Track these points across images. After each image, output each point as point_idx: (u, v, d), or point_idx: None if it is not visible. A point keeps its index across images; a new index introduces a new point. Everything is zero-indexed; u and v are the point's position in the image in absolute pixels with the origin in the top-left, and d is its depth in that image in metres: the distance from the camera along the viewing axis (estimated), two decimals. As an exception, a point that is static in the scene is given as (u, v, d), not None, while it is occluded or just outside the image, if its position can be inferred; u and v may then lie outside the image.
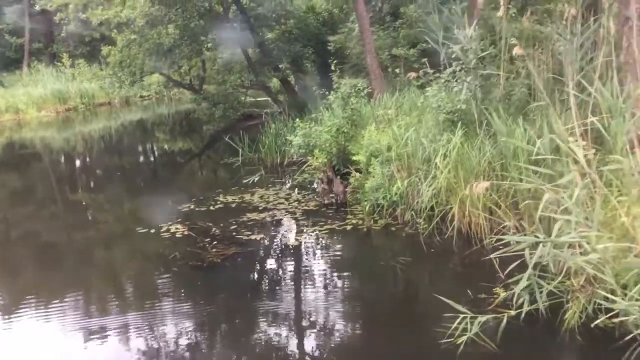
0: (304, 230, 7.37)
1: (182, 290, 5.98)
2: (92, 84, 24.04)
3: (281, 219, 7.81)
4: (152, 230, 7.51)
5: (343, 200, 8.27)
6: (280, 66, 15.38)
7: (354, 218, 7.48)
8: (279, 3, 14.50)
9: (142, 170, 14.42)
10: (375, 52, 11.39)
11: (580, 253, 4.52)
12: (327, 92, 10.27)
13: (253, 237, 7.05)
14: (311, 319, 5.22)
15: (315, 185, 9.12)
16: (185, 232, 7.38)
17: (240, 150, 11.70)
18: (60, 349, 4.87)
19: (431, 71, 8.09)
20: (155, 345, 4.87)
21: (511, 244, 4.85)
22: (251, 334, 5.00)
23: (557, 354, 4.37)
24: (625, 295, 4.14)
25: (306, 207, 8.20)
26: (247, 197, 8.89)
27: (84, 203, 10.90)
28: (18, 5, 29.98)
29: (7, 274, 6.92)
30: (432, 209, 6.71)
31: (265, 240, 7.05)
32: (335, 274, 6.21)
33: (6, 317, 5.55)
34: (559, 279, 4.71)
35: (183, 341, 4.89)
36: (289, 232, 7.44)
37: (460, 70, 7.27)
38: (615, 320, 4.19)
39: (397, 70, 10.75)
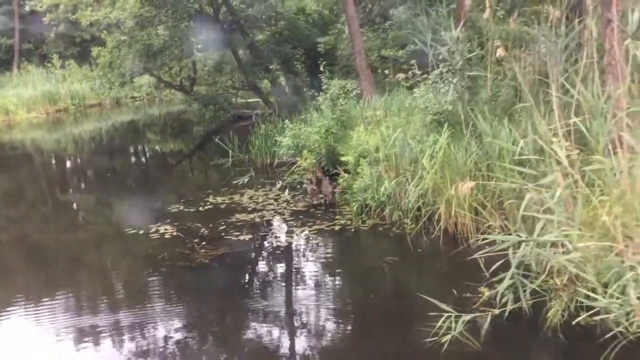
0: (293, 231, 7.41)
1: (170, 291, 6.00)
2: (83, 85, 23.95)
3: (270, 220, 7.85)
4: (141, 232, 7.52)
5: (332, 201, 8.32)
6: (270, 67, 15.41)
7: (342, 218, 7.52)
8: (269, 4, 14.52)
9: (132, 172, 14.40)
10: (364, 53, 11.46)
11: (563, 252, 4.58)
12: (317, 93, 10.33)
13: (242, 237, 7.09)
14: (298, 319, 5.26)
15: (304, 186, 9.15)
16: (174, 233, 7.40)
17: (230, 151, 11.72)
18: (48, 350, 4.88)
19: (419, 72, 8.16)
20: (143, 345, 4.90)
21: (496, 243, 4.92)
22: (239, 333, 5.05)
23: (539, 351, 4.43)
24: (606, 293, 4.20)
25: (295, 208, 8.24)
26: (237, 198, 8.92)
27: (73, 204, 10.90)
28: (8, 6, 29.87)
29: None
30: (419, 209, 6.76)
31: (254, 241, 7.09)
32: (322, 274, 6.25)
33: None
34: (542, 277, 4.77)
35: (171, 341, 4.91)
36: (277, 232, 7.48)
37: (447, 72, 7.34)
38: (597, 318, 4.25)
39: (387, 72, 10.84)
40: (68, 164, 16.36)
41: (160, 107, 26.75)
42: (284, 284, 6.11)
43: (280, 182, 9.95)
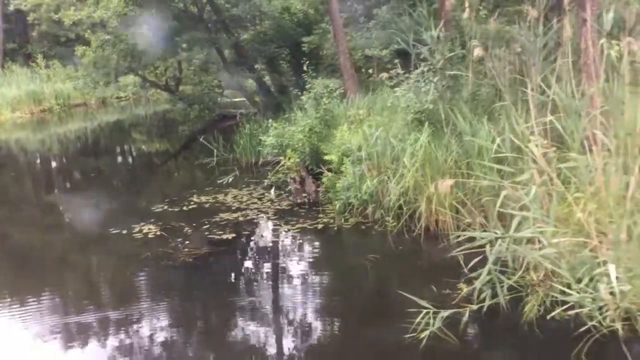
0: (276, 230, 7.45)
1: (153, 290, 6.02)
2: (67, 85, 23.79)
3: (254, 219, 7.88)
4: (125, 231, 7.52)
5: (315, 200, 8.37)
6: (255, 67, 15.42)
7: (325, 217, 7.57)
8: (254, 4, 14.53)
9: (117, 172, 14.35)
10: (348, 53, 11.51)
11: (539, 248, 4.67)
12: (301, 93, 10.37)
13: (225, 236, 7.12)
14: (280, 316, 5.31)
15: (288, 185, 9.19)
16: (158, 233, 7.41)
17: (215, 150, 11.73)
18: (30, 349, 4.89)
19: (401, 71, 8.23)
20: (126, 345, 4.91)
21: (477, 240, 5.01)
22: (222, 331, 5.09)
23: (515, 346, 4.50)
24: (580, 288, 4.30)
25: (279, 207, 8.28)
26: (221, 197, 8.94)
27: (57, 204, 10.85)
28: (-8, 6, 29.58)
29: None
30: (400, 207, 6.83)
31: (237, 240, 7.12)
32: (304, 272, 6.29)
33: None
34: (519, 273, 4.85)
35: (154, 340, 4.94)
36: (260, 231, 7.53)
37: (428, 71, 7.41)
38: (571, 312, 4.34)
39: (370, 71, 10.89)
40: (53, 164, 16.27)
41: (146, 107, 26.62)
42: (266, 282, 6.16)
43: (264, 181, 9.97)
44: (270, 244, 7.03)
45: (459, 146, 6.64)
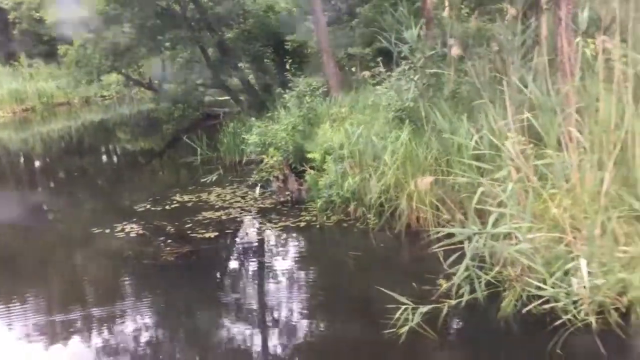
0: (258, 228, 7.48)
1: (135, 289, 6.03)
2: (50, 84, 23.61)
3: (236, 217, 7.89)
4: (107, 230, 7.51)
5: (298, 198, 8.40)
6: (239, 65, 15.41)
7: (308, 215, 7.61)
8: (237, 2, 14.52)
9: (101, 171, 14.28)
10: (331, 51, 11.55)
11: (515, 244, 4.73)
12: (285, 91, 10.40)
13: (207, 235, 7.13)
14: (260, 313, 5.34)
15: (271, 183, 9.22)
16: (140, 232, 7.41)
17: (198, 149, 11.73)
18: (12, 348, 4.87)
19: (383, 70, 8.29)
20: (105, 343, 4.92)
21: (456, 236, 5.06)
22: (203, 328, 5.10)
23: (492, 340, 4.55)
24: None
25: (262, 205, 8.30)
26: (204, 196, 8.95)
27: (40, 203, 10.78)
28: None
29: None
30: (382, 204, 6.88)
31: (220, 238, 7.13)
32: (286, 270, 6.33)
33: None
34: (497, 269, 4.92)
35: (133, 338, 4.95)
36: (243, 229, 7.54)
37: (409, 69, 7.47)
38: (547, 306, 4.41)
39: (354, 69, 10.94)
40: (36, 163, 16.17)
41: (130, 106, 26.45)
42: (247, 279, 6.19)
43: (248, 179, 9.98)
44: (253, 242, 7.06)
45: (439, 144, 6.70)
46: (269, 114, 10.75)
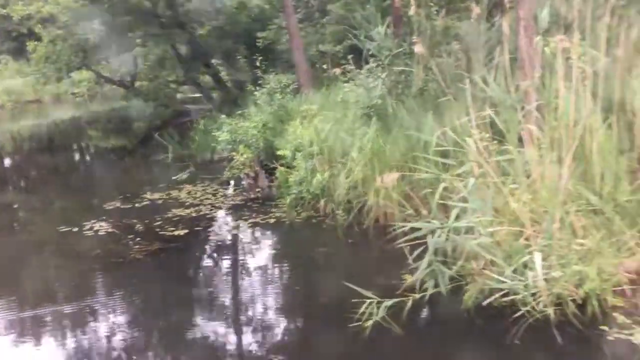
0: (228, 225, 7.51)
1: (102, 287, 6.00)
2: (19, 81, 23.21)
3: (206, 214, 7.89)
4: (75, 229, 7.46)
5: (269, 195, 8.44)
6: (211, 62, 15.36)
7: (278, 211, 7.65)
8: (208, -2, 14.48)
9: (71, 169, 14.15)
10: (303, 48, 11.58)
11: (476, 238, 4.83)
12: (257, 88, 10.41)
13: (177, 232, 7.12)
14: (227, 309, 5.37)
15: (242, 180, 9.23)
16: (109, 230, 7.38)
17: (170, 147, 11.69)
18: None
19: (352, 67, 8.35)
20: (72, 342, 4.90)
21: (421, 231, 5.15)
22: (171, 326, 5.10)
23: (455, 332, 4.65)
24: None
25: (232, 202, 8.32)
26: (175, 193, 8.93)
27: (7, 202, 10.60)
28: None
29: None
30: (350, 201, 6.95)
31: (189, 236, 7.12)
32: (254, 266, 6.37)
33: None
34: (460, 263, 5.01)
35: (100, 337, 4.93)
36: (212, 226, 7.54)
37: (377, 67, 7.55)
38: (507, 299, 4.52)
39: (325, 66, 10.97)
40: (4, 161, 15.90)
41: (102, 103, 26.16)
42: (216, 276, 6.21)
43: (219, 176, 9.98)
44: (222, 239, 7.08)
45: (406, 140, 6.79)
46: (240, 112, 10.75)
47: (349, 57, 8.87)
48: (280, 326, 5.08)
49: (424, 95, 7.51)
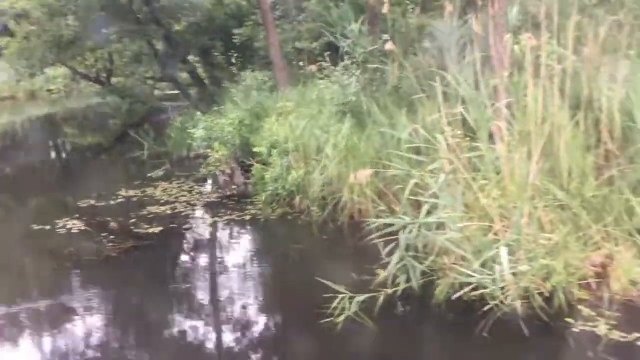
0: (204, 222, 7.51)
1: (74, 285, 5.98)
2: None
3: (182, 212, 7.87)
4: (48, 227, 7.39)
5: (245, 192, 8.43)
6: (188, 59, 15.28)
7: (253, 208, 7.66)
8: (185, -6, 14.40)
9: (46, 167, 13.98)
10: (279, 45, 11.57)
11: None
12: (234, 85, 10.40)
13: (152, 230, 7.10)
14: (199, 306, 5.38)
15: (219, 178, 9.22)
16: (83, 228, 7.33)
17: (146, 144, 11.62)
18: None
19: (327, 64, 8.38)
20: (43, 340, 4.87)
21: (393, 227, 5.21)
22: (144, 323, 5.11)
23: (425, 326, 4.73)
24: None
25: (208, 200, 8.32)
26: (150, 191, 8.89)
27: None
28: None
29: None
30: (325, 197, 6.99)
31: (164, 233, 7.09)
32: (229, 263, 6.39)
33: None
34: (432, 258, 5.07)
35: (71, 335, 4.91)
36: (188, 224, 7.53)
37: (352, 64, 7.60)
38: (476, 293, 4.59)
39: (302, 64, 10.99)
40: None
41: (78, 100, 25.84)
42: (189, 273, 6.22)
43: (195, 174, 9.95)
44: (197, 236, 7.07)
45: (380, 137, 6.84)
46: (216, 108, 10.73)
47: (326, 54, 8.93)
48: (253, 322, 5.10)
49: (399, 93, 7.57)
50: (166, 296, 5.57)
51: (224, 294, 5.63)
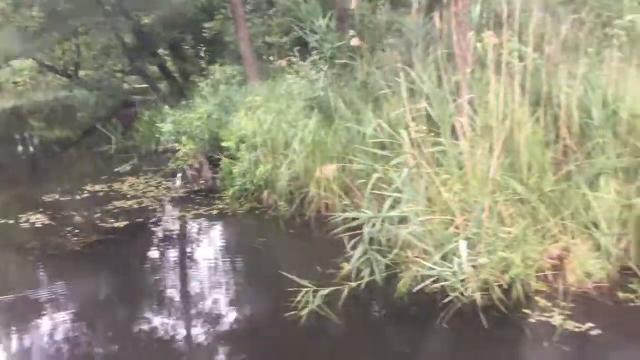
0: (170, 217, 7.47)
1: (36, 279, 5.91)
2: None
3: (149, 207, 7.82)
4: (11, 221, 7.31)
5: (213, 186, 8.42)
6: (158, 52, 15.12)
7: (221, 203, 7.65)
8: (153, -13, 14.20)
9: (11, 161, 13.68)
10: (249, 40, 11.53)
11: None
12: (202, 80, 10.34)
13: (117, 225, 7.05)
14: (164, 301, 5.34)
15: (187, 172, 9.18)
16: (47, 222, 7.25)
17: (114, 138, 11.50)
18: None
19: (296, 59, 8.40)
20: (3, 336, 4.80)
21: (358, 221, 5.27)
22: (107, 317, 5.07)
23: (387, 318, 4.80)
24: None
25: (176, 194, 8.28)
26: (117, 185, 8.81)
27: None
28: None
29: None
30: (293, 192, 7.02)
31: (129, 228, 7.05)
32: (194, 258, 6.37)
33: None
34: (396, 251, 5.15)
35: (32, 330, 4.85)
36: (154, 218, 7.48)
37: (320, 60, 7.63)
38: (437, 285, 4.67)
39: (272, 58, 10.97)
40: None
41: (46, 93, 25.37)
42: (155, 268, 6.18)
43: (164, 168, 9.88)
44: (163, 231, 7.03)
45: (347, 132, 6.90)
46: (184, 103, 10.66)
47: (296, 49, 8.94)
48: (217, 316, 5.10)
49: (367, 89, 7.62)
50: (130, 290, 5.54)
51: (188, 288, 5.61)
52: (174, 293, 5.52)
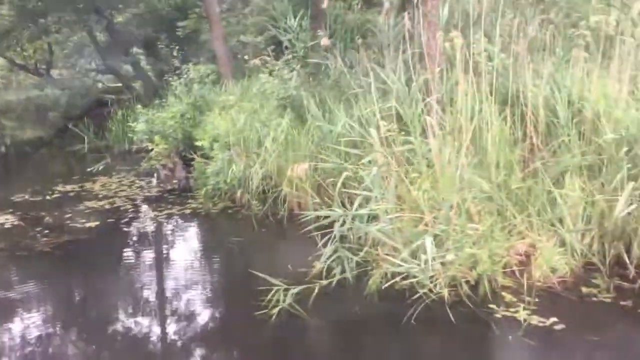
0: (142, 216, 7.42)
1: (5, 280, 5.81)
2: None
3: (121, 206, 7.77)
4: (-22, 222, 7.18)
5: (186, 186, 8.39)
6: (132, 51, 14.98)
7: (194, 202, 7.64)
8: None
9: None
10: (223, 39, 11.50)
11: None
12: (177, 78, 10.28)
13: (88, 225, 6.99)
14: (134, 301, 5.33)
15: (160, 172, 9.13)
16: (16, 223, 7.16)
17: (86, 137, 11.37)
18: None
19: (270, 58, 8.40)
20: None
21: (329, 219, 5.30)
22: (76, 318, 5.03)
23: (357, 315, 4.82)
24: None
25: (148, 194, 8.23)
26: (88, 185, 8.73)
27: None
28: None
29: None
30: (266, 191, 7.03)
31: (101, 228, 7.01)
32: (166, 257, 6.35)
33: None
34: (366, 249, 5.20)
35: (1, 330, 4.79)
36: (125, 218, 7.43)
37: (292, 59, 7.65)
38: (406, 282, 4.73)
39: (246, 57, 10.95)
40: None
41: (17, 92, 24.88)
42: (125, 267, 6.13)
43: (137, 168, 9.82)
44: (135, 231, 6.99)
45: (319, 131, 6.92)
46: (157, 102, 10.59)
47: (270, 48, 8.94)
48: (188, 315, 5.09)
49: (340, 88, 7.66)
50: (100, 290, 5.50)
51: (160, 288, 5.59)
52: (145, 293, 5.50)
